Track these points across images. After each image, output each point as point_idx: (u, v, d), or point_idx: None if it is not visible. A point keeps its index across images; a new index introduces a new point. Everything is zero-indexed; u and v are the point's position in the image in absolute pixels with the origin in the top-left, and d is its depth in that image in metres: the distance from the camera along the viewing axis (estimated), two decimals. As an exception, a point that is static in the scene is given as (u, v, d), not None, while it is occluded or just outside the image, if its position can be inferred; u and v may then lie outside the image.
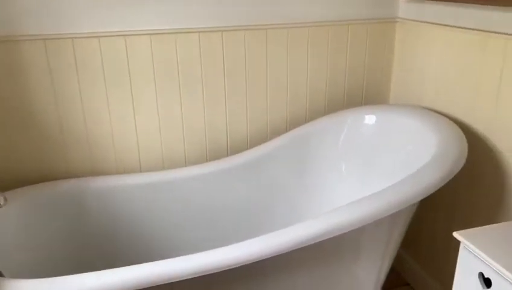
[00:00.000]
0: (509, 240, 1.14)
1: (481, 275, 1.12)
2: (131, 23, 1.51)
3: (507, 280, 1.03)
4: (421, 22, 1.64)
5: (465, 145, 1.34)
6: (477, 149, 1.43)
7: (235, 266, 1.00)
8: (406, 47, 1.74)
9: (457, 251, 1.19)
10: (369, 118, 1.67)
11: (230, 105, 1.69)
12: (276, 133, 1.75)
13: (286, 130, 1.75)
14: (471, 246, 1.13)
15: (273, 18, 1.64)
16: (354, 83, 1.81)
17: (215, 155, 1.71)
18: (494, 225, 1.22)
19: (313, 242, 1.09)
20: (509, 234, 1.18)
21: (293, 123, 1.77)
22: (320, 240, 1.11)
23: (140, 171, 1.64)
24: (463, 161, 1.29)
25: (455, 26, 1.48)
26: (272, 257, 1.05)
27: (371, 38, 1.76)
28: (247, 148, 1.69)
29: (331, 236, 1.12)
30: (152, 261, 1.04)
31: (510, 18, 1.28)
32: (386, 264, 1.44)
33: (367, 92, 1.84)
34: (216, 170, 1.59)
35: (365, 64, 1.80)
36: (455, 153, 1.30)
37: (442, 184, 1.24)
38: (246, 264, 1.02)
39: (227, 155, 1.70)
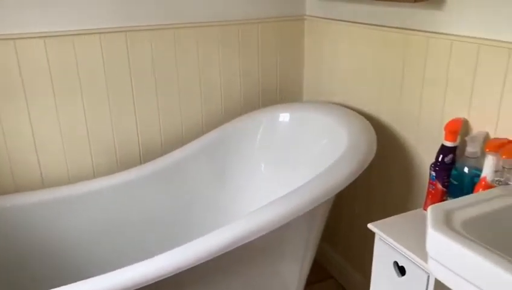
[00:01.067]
0: (419, 228, 1.18)
1: (396, 263, 1.15)
2: (21, 24, 1.36)
3: (419, 266, 1.06)
4: (328, 19, 1.66)
5: (374, 137, 1.38)
6: (386, 140, 1.47)
7: (145, 284, 0.93)
8: (315, 44, 1.76)
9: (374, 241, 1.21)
10: (284, 117, 1.67)
11: (140, 111, 1.60)
12: (192, 136, 1.68)
13: (202, 132, 1.69)
14: (385, 236, 1.16)
15: (180, 17, 1.58)
16: (268, 81, 1.80)
17: (127, 165, 1.61)
18: (404, 213, 1.26)
19: (228, 249, 1.05)
20: (418, 221, 1.22)
21: (209, 125, 1.72)
22: (238, 245, 1.07)
23: (43, 187, 1.50)
24: (373, 153, 1.32)
25: (359, 23, 1.51)
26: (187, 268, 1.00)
27: (281, 36, 1.76)
28: (161, 155, 1.61)
29: (249, 240, 1.09)
30: (65, 281, 0.94)
31: (409, 14, 1.33)
32: (308, 259, 1.44)
33: (281, 90, 1.84)
34: (127, 180, 1.50)
35: (277, 63, 1.79)
36: (365, 145, 1.33)
37: (355, 177, 1.26)
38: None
39: (140, 164, 1.61)
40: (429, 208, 0.84)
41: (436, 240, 0.77)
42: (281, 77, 1.82)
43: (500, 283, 0.67)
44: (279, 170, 1.68)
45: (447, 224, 0.79)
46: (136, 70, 1.55)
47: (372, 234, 1.20)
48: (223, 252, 1.03)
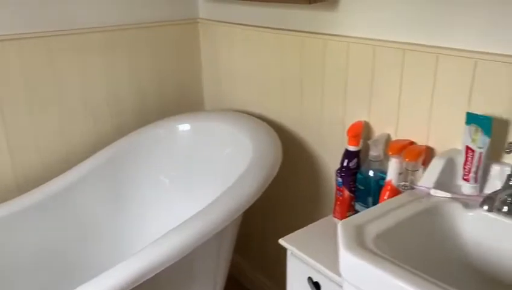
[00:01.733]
0: (330, 238, 1.13)
1: (310, 279, 1.09)
2: None
3: (333, 281, 1.01)
4: (222, 22, 1.57)
5: (280, 145, 1.31)
6: (291, 147, 1.42)
7: None
8: (212, 49, 1.66)
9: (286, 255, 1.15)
10: (183, 127, 1.54)
11: (11, 135, 1.37)
12: (80, 158, 1.49)
13: (92, 152, 1.50)
14: (297, 251, 1.09)
15: (57, 24, 1.38)
16: (166, 90, 1.66)
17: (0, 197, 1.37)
18: (315, 223, 1.21)
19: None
20: (329, 231, 1.18)
21: (100, 143, 1.53)
22: (136, 284, 0.93)
23: None
24: (279, 162, 1.26)
25: (254, 26, 1.44)
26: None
27: (175, 41, 1.64)
28: (42, 183, 1.39)
29: (149, 276, 0.95)
30: None
31: (306, 17, 1.28)
32: (221, 275, 1.34)
33: (181, 100, 1.71)
34: (5, 215, 1.27)
35: (174, 71, 1.66)
36: (271, 155, 1.26)
37: (264, 189, 1.18)
38: None
39: (17, 195, 1.37)
40: (339, 225, 0.78)
41: (349, 262, 0.71)
42: (178, 86, 1.69)
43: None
44: (185, 183, 1.56)
45: (359, 242, 0.74)
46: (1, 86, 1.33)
47: (284, 247, 1.14)
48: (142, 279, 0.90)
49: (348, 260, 0.71)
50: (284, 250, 1.13)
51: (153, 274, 0.95)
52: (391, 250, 0.73)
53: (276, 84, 1.43)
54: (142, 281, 0.94)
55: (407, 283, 0.64)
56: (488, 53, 0.91)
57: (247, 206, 1.14)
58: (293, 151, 1.42)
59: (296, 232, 1.17)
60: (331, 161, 1.31)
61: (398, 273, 0.66)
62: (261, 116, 1.51)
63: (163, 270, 0.98)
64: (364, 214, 0.83)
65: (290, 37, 1.33)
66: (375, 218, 0.82)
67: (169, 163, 1.56)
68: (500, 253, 0.81)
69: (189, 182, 1.55)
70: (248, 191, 1.15)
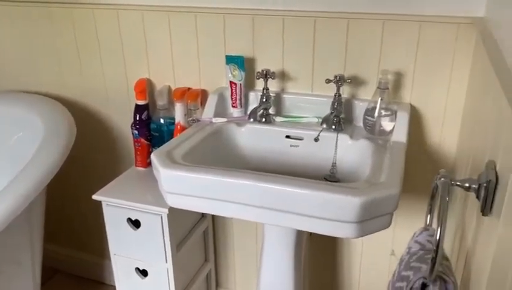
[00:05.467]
0: (137, 182, 1.31)
1: (129, 219, 1.24)
2: None
3: (151, 212, 1.19)
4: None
5: (71, 118, 1.35)
6: (81, 119, 1.48)
7: None
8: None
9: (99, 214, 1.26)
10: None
11: None
12: None
13: None
14: (112, 199, 1.23)
15: None
16: None
17: None
18: (120, 176, 1.36)
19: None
20: (135, 177, 1.34)
21: None
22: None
23: None
24: (74, 135, 1.30)
25: (18, 1, 1.41)
26: None
27: None
28: None
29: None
30: None
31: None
32: (37, 261, 1.34)
33: None
34: None
35: None
36: (64, 129, 1.29)
37: (61, 163, 1.21)
38: None
39: None
40: (152, 154, 0.96)
41: (169, 176, 0.91)
42: None
43: (223, 187, 0.87)
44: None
45: (172, 161, 0.94)
46: None
47: (95, 209, 1.24)
48: None
49: (168, 174, 0.90)
50: (92, 213, 1.22)
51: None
52: (195, 162, 0.96)
53: (52, 59, 1.45)
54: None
55: (213, 175, 0.88)
56: (234, 8, 1.19)
57: (47, 182, 1.17)
58: (84, 121, 1.48)
59: (105, 187, 1.29)
60: (123, 119, 1.44)
61: (205, 171, 0.89)
62: (42, 93, 1.51)
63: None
64: (169, 144, 1.02)
65: (57, 9, 1.37)
66: (177, 145, 1.02)
67: None
68: (266, 149, 1.14)
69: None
70: (46, 166, 1.17)
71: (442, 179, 0.62)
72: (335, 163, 1.11)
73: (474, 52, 1.02)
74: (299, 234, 1.07)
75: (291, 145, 1.14)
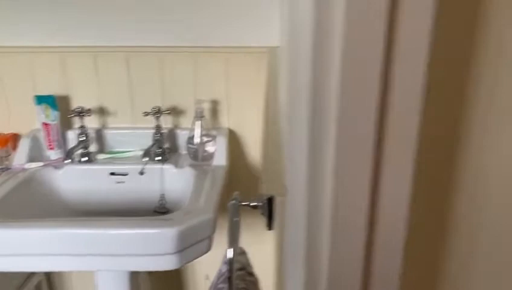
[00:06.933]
0: None
1: None
2: None
3: None
4: None
5: None
6: None
7: None
8: None
9: None
10: None
11: None
12: None
13: None
14: None
15: None
16: None
17: None
18: None
19: None
20: None
21: None
22: None
23: None
24: None
25: None
26: None
27: None
28: None
29: None
30: None
31: None
32: None
33: None
34: None
35: None
36: None
37: None
38: None
39: None
40: None
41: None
42: None
43: (23, 240, 0.81)
44: None
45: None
46: None
47: None
48: None
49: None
50: None
51: None
52: (6, 216, 0.88)
53: None
54: None
55: (13, 229, 0.81)
56: (42, 46, 1.13)
57: None
58: None
59: None
60: None
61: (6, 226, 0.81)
62: None
63: None
64: None
65: None
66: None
67: None
68: (90, 189, 1.09)
69: None
70: None
71: (233, 201, 0.67)
72: (163, 194, 1.12)
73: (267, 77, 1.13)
74: (132, 273, 1.04)
75: (117, 182, 1.12)
